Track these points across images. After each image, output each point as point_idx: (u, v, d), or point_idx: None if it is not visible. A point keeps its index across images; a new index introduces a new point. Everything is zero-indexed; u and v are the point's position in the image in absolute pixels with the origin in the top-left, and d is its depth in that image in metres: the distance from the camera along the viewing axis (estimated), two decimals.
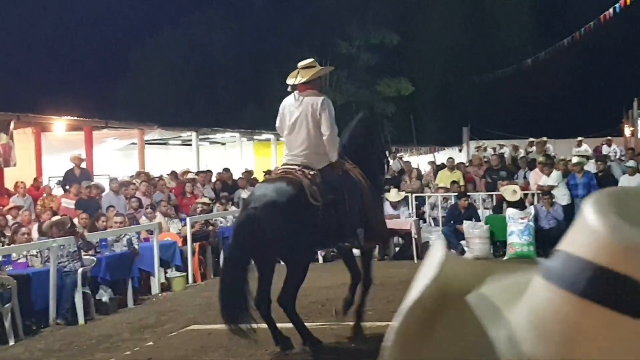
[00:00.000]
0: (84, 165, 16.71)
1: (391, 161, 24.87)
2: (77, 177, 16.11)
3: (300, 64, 7.43)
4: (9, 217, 13.06)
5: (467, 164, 19.57)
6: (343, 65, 33.05)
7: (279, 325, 7.26)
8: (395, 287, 11.68)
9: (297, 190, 6.87)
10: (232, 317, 6.72)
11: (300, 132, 7.22)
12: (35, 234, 11.99)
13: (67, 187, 15.65)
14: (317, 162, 7.21)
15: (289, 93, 7.45)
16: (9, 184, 15.87)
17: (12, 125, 15.81)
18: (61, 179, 16.69)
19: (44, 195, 15.28)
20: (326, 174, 7.17)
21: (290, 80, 7.35)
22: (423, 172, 20.68)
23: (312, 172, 7.08)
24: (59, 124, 17.89)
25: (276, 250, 7.06)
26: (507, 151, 22.52)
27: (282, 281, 7.16)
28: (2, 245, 10.97)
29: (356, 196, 7.40)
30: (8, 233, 11.64)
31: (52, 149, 18.53)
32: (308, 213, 6.86)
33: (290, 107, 7.34)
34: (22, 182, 15.18)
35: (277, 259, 7.33)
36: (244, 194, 16.88)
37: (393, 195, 15.71)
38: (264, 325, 7.13)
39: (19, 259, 10.54)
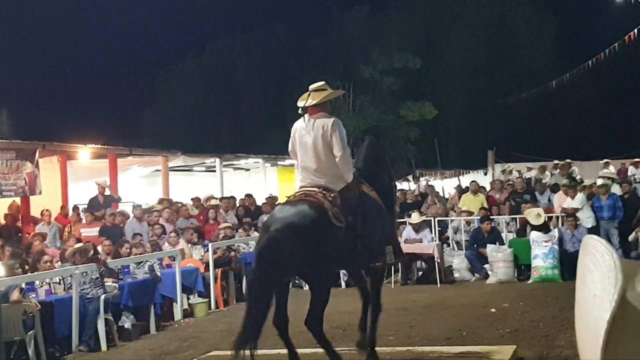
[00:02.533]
0: (108, 192, 16.84)
1: (414, 185, 24.93)
2: (102, 203, 16.25)
3: (312, 86, 7.43)
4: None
5: (488, 188, 19.45)
6: (366, 90, 33.13)
7: (298, 350, 7.23)
8: (417, 312, 11.63)
9: (320, 212, 6.83)
10: (249, 342, 6.67)
11: (314, 155, 7.19)
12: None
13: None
14: (335, 183, 7.19)
15: (301, 115, 7.45)
16: (35, 212, 16.02)
17: (37, 154, 15.98)
18: (86, 206, 16.83)
19: (72, 222, 15.42)
20: (345, 195, 7.15)
21: (300, 103, 7.33)
22: (447, 196, 20.61)
23: (332, 194, 7.05)
24: (84, 152, 18.06)
25: (298, 272, 7.03)
26: (533, 174, 22.37)
27: (305, 306, 7.11)
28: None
29: (378, 215, 7.37)
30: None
31: (78, 176, 18.69)
32: (332, 234, 6.82)
33: (302, 131, 7.32)
34: (47, 210, 15.31)
35: (298, 279, 7.29)
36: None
37: (415, 218, 15.66)
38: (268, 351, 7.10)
39: (42, 286, 10.60)
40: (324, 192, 7.03)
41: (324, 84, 7.44)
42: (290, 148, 7.50)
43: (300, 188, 7.38)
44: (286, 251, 6.60)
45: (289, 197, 7.40)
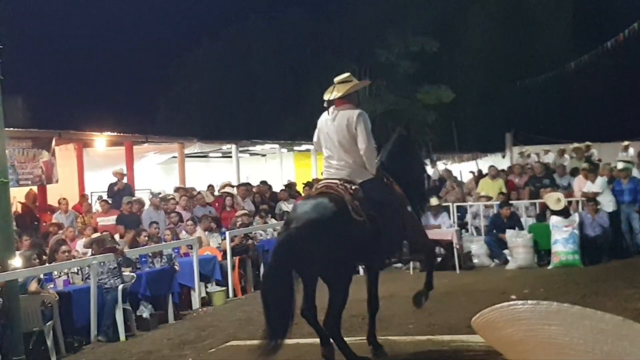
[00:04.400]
0: (125, 180, 16.85)
1: (432, 170, 24.80)
2: (122, 189, 16.26)
3: (337, 79, 7.39)
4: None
5: (507, 170, 19.25)
6: (382, 74, 32.88)
7: (310, 340, 7.18)
8: (437, 299, 11.43)
9: (339, 206, 6.79)
10: (277, 334, 6.63)
11: (338, 146, 7.16)
12: (80, 249, 12.13)
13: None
14: (358, 176, 7.13)
15: (326, 108, 7.40)
16: (51, 200, 16.04)
17: (53, 142, 16.00)
18: (101, 194, 16.86)
19: (84, 213, 15.42)
20: (367, 188, 7.09)
21: (326, 96, 7.31)
22: (465, 180, 20.46)
23: (353, 187, 7.00)
24: (100, 140, 18.06)
25: (319, 268, 6.99)
26: (552, 157, 22.17)
27: (325, 299, 7.06)
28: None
29: (398, 209, 7.30)
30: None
31: (94, 164, 18.73)
32: (351, 229, 6.78)
33: (327, 122, 7.29)
34: (64, 199, 15.32)
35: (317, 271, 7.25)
36: (285, 206, 16.85)
37: (432, 201, 15.49)
38: (297, 341, 7.07)
39: (60, 276, 10.60)
40: (345, 184, 7.00)
41: (348, 76, 7.40)
42: (315, 139, 7.48)
43: (322, 180, 7.36)
44: (304, 248, 6.57)
45: (311, 186, 7.39)
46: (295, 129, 30.60)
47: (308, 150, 24.45)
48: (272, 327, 6.57)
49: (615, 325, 1.28)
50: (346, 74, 7.47)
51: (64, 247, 11.29)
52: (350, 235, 6.74)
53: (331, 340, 6.98)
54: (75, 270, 10.85)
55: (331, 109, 7.26)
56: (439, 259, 15.47)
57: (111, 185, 16.63)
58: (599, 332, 1.28)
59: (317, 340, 7.11)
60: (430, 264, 8.23)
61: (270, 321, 6.60)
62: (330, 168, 7.25)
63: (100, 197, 17.05)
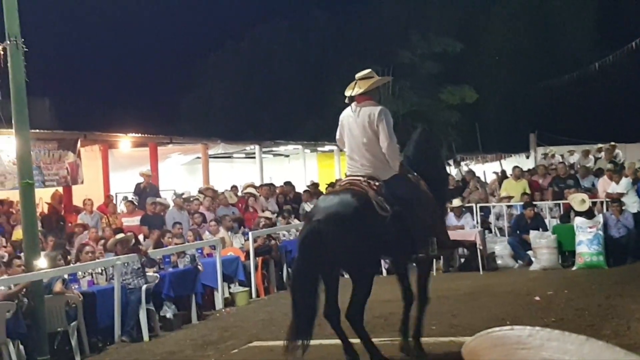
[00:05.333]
0: (152, 181, 16.98)
1: (455, 170, 24.69)
2: (148, 191, 16.37)
3: (358, 75, 7.38)
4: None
5: (531, 170, 19.13)
6: (405, 75, 32.80)
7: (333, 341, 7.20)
8: (460, 300, 11.47)
9: (363, 201, 6.79)
10: (302, 333, 6.67)
11: (361, 143, 7.16)
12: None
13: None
14: (382, 173, 7.13)
15: (347, 105, 7.41)
16: (77, 201, 16.17)
17: (79, 144, 16.12)
18: (126, 195, 16.97)
19: (109, 214, 15.53)
20: (392, 185, 7.08)
21: (348, 92, 7.30)
22: (489, 181, 20.37)
23: (377, 183, 7.00)
24: (125, 141, 18.18)
25: (341, 262, 7.01)
26: (576, 157, 22.04)
27: (348, 295, 7.07)
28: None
29: (424, 206, 7.30)
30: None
31: (119, 165, 18.85)
32: (376, 224, 6.77)
33: (349, 119, 7.29)
34: (89, 199, 15.44)
35: (341, 270, 7.28)
36: (308, 206, 16.86)
37: (455, 202, 15.46)
38: (320, 342, 7.10)
39: (84, 277, 10.68)
40: (369, 180, 7.01)
41: (370, 72, 7.38)
42: (337, 137, 7.49)
43: (346, 177, 7.37)
44: (328, 241, 6.58)
45: (334, 186, 7.39)
46: (318, 130, 30.59)
47: (331, 150, 24.46)
48: (299, 325, 6.60)
49: (578, 345, 1.33)
50: (367, 70, 7.46)
51: (87, 248, 11.38)
52: (374, 229, 6.74)
53: (352, 343, 7.00)
54: (100, 271, 10.93)
55: (353, 105, 7.26)
56: (462, 260, 15.48)
57: (138, 184, 16.77)
58: (564, 352, 1.33)
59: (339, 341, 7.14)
60: (427, 273, 8.12)
61: (297, 319, 6.63)
62: (353, 165, 7.26)
63: (125, 198, 17.16)
